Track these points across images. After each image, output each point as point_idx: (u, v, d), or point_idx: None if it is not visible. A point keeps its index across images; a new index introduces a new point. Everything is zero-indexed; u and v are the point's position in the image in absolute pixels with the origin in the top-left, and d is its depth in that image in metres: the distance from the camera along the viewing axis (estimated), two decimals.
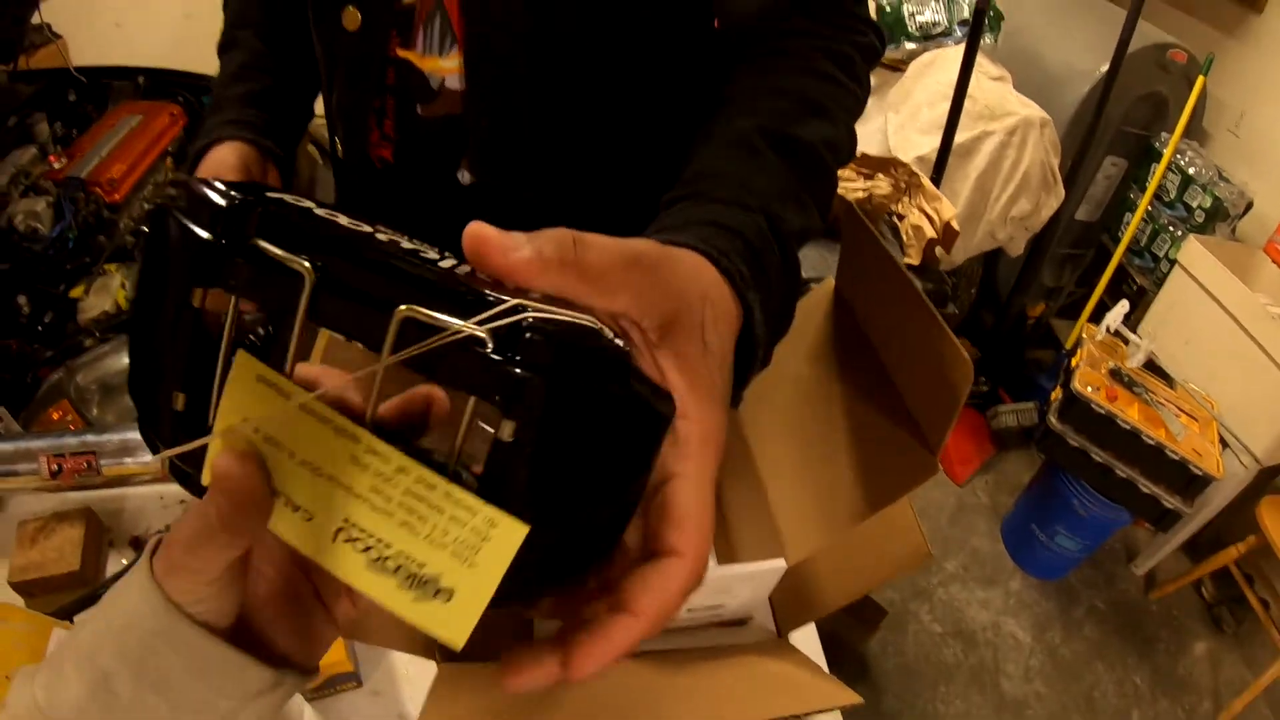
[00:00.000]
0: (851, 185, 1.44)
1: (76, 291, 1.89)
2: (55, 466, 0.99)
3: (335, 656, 0.82)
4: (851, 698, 0.76)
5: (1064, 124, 2.35)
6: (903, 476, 0.69)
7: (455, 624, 0.32)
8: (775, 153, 0.57)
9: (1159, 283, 2.49)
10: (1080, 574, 2.44)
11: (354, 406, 0.35)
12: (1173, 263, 2.39)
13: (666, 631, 0.81)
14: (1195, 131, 2.64)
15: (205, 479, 0.33)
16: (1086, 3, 2.65)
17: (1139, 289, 2.63)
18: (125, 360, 1.72)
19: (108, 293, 1.88)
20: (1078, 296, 2.81)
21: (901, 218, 1.45)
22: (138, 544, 1.03)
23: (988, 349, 2.82)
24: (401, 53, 0.73)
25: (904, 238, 1.45)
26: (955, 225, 1.42)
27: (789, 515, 0.79)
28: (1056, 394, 2.10)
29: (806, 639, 0.92)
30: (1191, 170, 2.47)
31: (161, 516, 1.05)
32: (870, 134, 2.28)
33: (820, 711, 0.77)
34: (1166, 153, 2.44)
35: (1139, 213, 2.53)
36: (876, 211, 1.46)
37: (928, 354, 0.67)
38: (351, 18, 0.73)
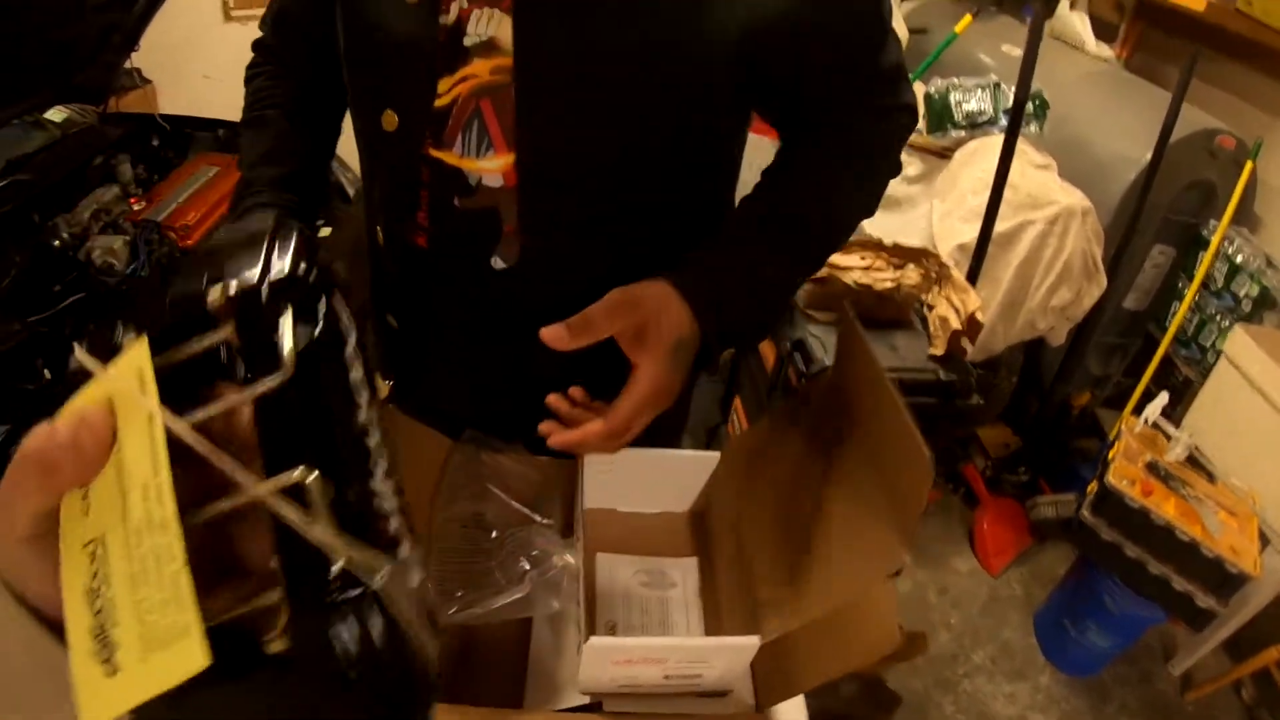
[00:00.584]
0: (881, 275, 1.48)
1: None
2: None
3: None
4: None
5: (1111, 211, 2.35)
6: (872, 567, 0.72)
7: (94, 703, 0.31)
8: (780, 228, 0.84)
9: (1206, 373, 2.44)
10: (1114, 671, 2.37)
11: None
12: (1219, 353, 2.35)
13: (646, 696, 0.84)
14: (1246, 218, 2.59)
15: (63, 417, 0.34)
16: (1135, 89, 2.66)
17: (1185, 380, 2.58)
18: None
19: None
20: (1125, 386, 2.77)
21: (930, 308, 1.48)
22: None
23: (1030, 438, 2.80)
24: (434, 152, 0.80)
25: (931, 328, 1.47)
26: (980, 317, 1.45)
27: (767, 594, 0.82)
28: (1092, 487, 2.08)
29: (795, 716, 0.94)
30: (1239, 258, 2.44)
31: None
32: (915, 220, 2.32)
33: None
34: (1214, 241, 2.42)
35: (1186, 302, 2.50)
36: (905, 301, 1.49)
37: (896, 450, 0.70)
38: (389, 119, 0.81)
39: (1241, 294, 2.45)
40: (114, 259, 1.99)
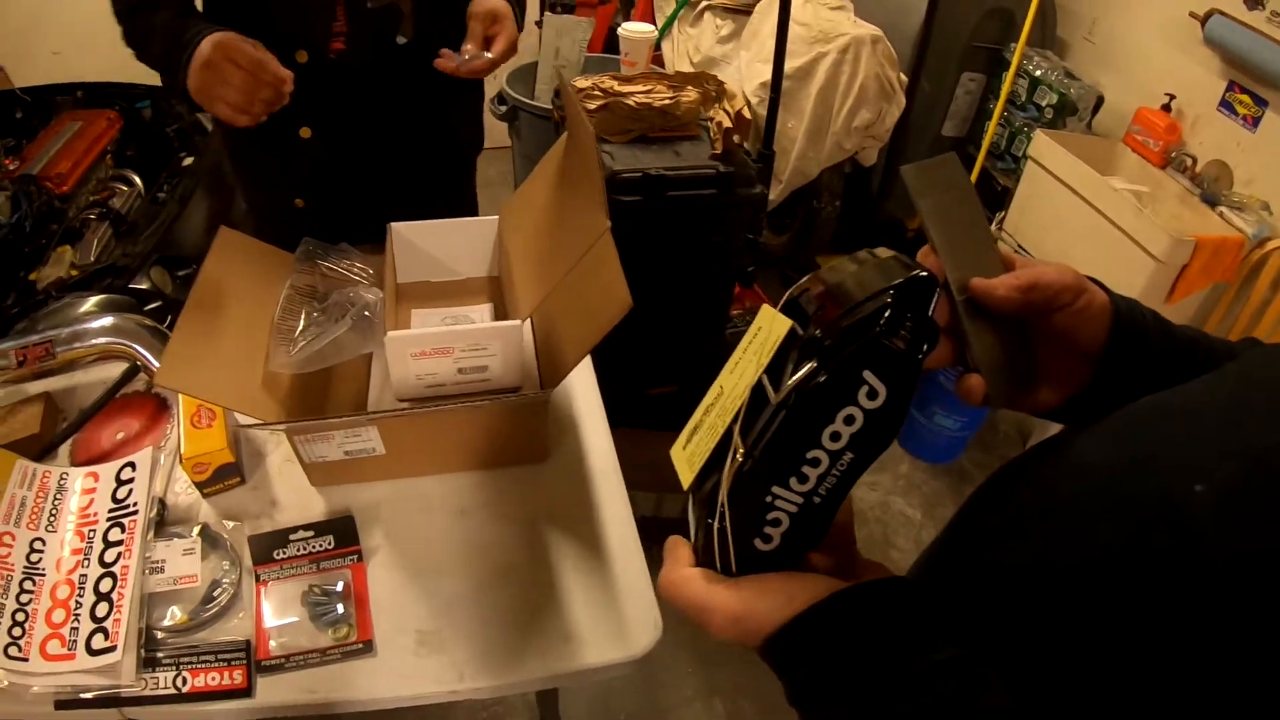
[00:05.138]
0: (659, 95, 1.69)
1: (35, 275, 2.12)
2: (21, 358, 1.21)
3: (218, 444, 1.03)
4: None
5: (911, 43, 2.59)
6: (586, 233, 0.94)
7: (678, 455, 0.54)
8: None
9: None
10: (971, 457, 2.57)
11: None
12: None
13: (451, 398, 1.05)
14: (1051, 42, 2.84)
15: None
16: None
17: (1004, 190, 2.83)
18: (81, 309, 1.96)
19: (61, 264, 2.13)
20: None
21: (711, 119, 1.70)
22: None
23: None
24: None
25: (710, 134, 1.69)
26: (747, 114, 1.67)
27: (525, 292, 1.04)
28: None
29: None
30: (1038, 73, 2.68)
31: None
32: (731, 75, 2.53)
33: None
34: (1014, 59, 2.66)
35: (994, 118, 2.75)
36: (687, 116, 1.71)
37: (582, 148, 0.92)
38: None
39: (1044, 104, 2.70)
40: None
